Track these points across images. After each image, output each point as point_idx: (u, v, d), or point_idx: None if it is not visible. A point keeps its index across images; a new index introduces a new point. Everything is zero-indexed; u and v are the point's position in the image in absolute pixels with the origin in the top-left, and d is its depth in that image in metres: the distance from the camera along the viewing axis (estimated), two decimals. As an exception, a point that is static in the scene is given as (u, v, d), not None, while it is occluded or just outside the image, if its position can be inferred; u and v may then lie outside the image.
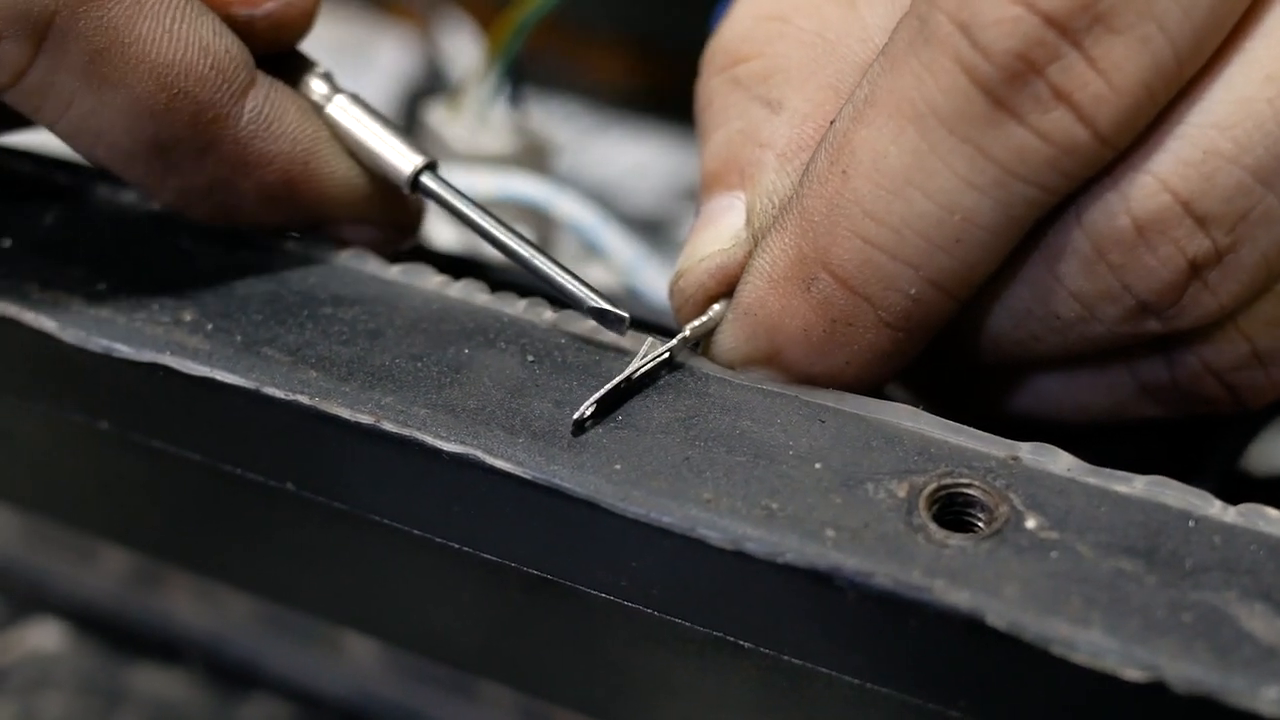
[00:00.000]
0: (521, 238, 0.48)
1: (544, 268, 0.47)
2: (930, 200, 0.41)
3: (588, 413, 0.43)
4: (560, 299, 0.47)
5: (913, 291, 0.43)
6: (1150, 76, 0.40)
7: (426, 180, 0.50)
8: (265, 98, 0.48)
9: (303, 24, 0.50)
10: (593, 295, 0.46)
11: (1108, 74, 0.40)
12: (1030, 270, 0.44)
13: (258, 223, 0.51)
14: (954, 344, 0.46)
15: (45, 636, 0.73)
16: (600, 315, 0.46)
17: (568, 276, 0.47)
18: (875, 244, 0.42)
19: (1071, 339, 0.45)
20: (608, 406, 0.44)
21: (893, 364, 0.45)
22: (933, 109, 0.41)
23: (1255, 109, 0.41)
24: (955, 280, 0.43)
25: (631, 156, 1.01)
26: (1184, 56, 0.40)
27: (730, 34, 0.49)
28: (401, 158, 0.50)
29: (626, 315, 0.46)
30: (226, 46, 0.47)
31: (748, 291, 0.45)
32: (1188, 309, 0.43)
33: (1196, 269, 0.42)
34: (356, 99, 0.51)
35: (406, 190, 0.50)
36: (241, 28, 0.48)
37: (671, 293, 0.48)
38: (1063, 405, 0.48)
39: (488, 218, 0.48)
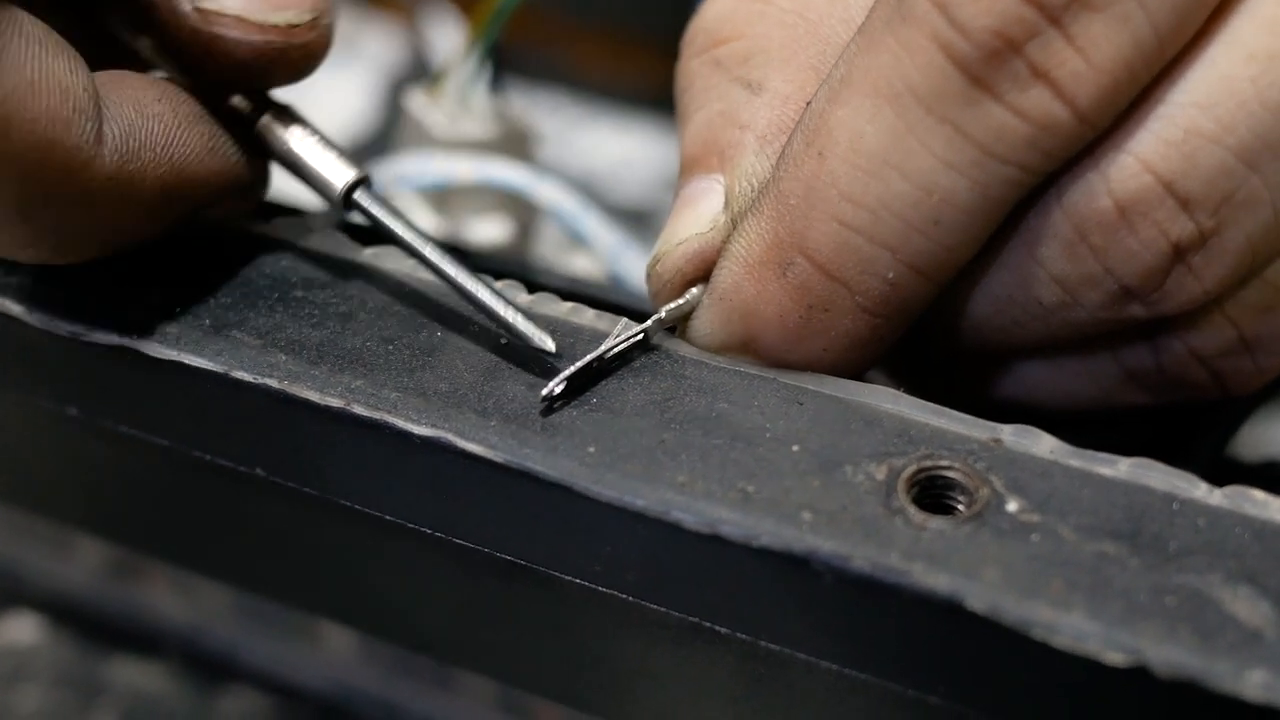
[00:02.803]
0: (457, 262, 0.46)
1: (478, 294, 0.45)
2: (907, 181, 0.41)
3: (556, 390, 0.43)
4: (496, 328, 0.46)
5: (890, 275, 0.42)
6: (1130, 54, 0.40)
7: (359, 197, 0.47)
8: (119, 121, 0.43)
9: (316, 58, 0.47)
10: (524, 325, 0.45)
11: (1087, 52, 0.39)
12: (1011, 254, 0.43)
13: (129, 239, 0.46)
14: (935, 330, 0.46)
15: (21, 629, 0.72)
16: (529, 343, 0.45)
17: (501, 303, 0.45)
18: (852, 227, 0.42)
19: (1054, 325, 0.44)
20: (578, 386, 0.43)
21: (871, 351, 0.45)
22: (910, 88, 0.40)
23: (1237, 88, 0.40)
24: (933, 263, 0.43)
25: (616, 148, 1.00)
26: (1165, 34, 0.40)
27: (711, 15, 0.49)
28: (333, 172, 0.47)
29: (552, 348, 0.44)
30: (82, 84, 0.42)
31: (723, 276, 0.45)
32: (1171, 294, 0.43)
33: (1180, 252, 0.42)
34: (287, 111, 0.48)
35: (339, 208, 0.47)
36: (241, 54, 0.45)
37: (648, 277, 0.48)
38: (1047, 392, 0.48)
39: (421, 238, 0.46)
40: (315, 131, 0.48)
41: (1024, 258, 0.43)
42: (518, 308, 0.45)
